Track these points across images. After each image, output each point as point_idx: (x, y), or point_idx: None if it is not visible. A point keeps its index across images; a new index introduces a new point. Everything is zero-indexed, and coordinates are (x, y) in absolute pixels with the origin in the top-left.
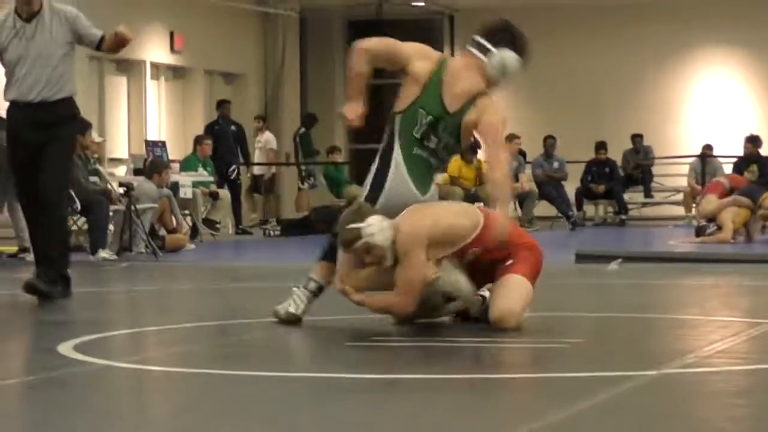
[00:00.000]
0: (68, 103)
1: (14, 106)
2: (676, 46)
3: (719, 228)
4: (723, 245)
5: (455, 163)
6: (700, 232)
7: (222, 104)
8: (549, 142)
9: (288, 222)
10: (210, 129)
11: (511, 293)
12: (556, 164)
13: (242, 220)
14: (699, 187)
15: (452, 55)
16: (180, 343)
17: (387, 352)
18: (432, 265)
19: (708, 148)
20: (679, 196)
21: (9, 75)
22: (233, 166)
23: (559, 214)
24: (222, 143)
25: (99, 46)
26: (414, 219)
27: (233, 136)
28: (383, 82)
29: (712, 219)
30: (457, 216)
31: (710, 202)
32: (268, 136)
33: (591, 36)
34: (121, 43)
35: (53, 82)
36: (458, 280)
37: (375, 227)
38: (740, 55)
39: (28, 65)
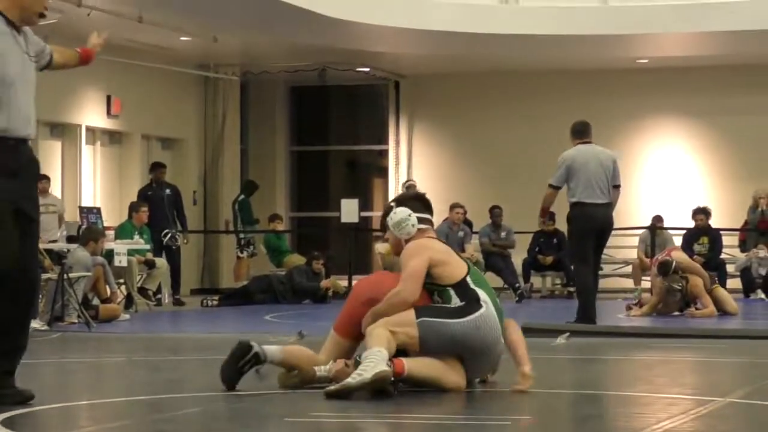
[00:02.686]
0: None
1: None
2: (626, 116)
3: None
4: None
5: None
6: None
7: (156, 167)
8: (495, 212)
9: (226, 291)
10: (143, 194)
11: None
12: (503, 234)
13: (180, 290)
14: (648, 260)
15: (397, 124)
16: (112, 419)
17: (325, 428)
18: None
19: (658, 219)
20: (629, 269)
21: None
22: (166, 232)
23: (506, 286)
24: (157, 208)
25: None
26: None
27: (168, 200)
28: (326, 149)
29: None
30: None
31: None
32: None
33: (539, 104)
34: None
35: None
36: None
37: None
38: (689, 126)
39: (25, 89)
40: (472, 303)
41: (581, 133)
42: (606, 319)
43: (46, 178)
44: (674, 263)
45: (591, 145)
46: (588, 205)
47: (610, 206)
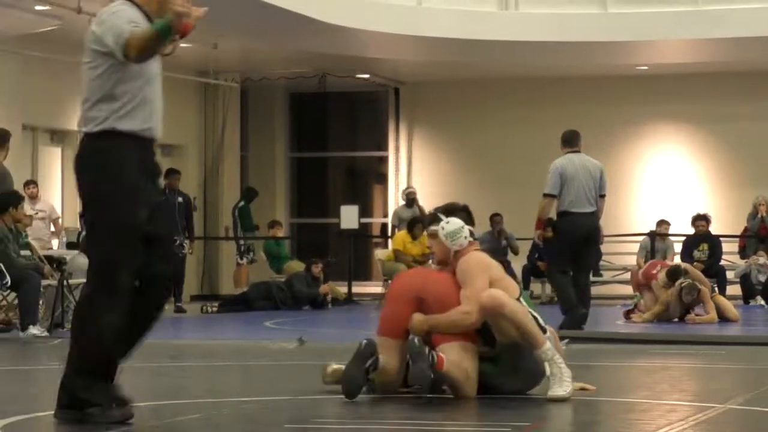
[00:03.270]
0: None
1: (134, 140)
2: (625, 123)
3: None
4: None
5: (400, 237)
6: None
7: (170, 174)
8: (496, 219)
9: (226, 298)
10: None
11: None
12: (504, 242)
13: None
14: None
15: (397, 130)
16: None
17: None
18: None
19: (662, 223)
20: (628, 275)
21: (130, 96)
22: (176, 240)
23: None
24: (169, 215)
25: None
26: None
27: (180, 208)
28: (326, 155)
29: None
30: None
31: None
32: None
33: (539, 111)
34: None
35: None
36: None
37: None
38: (688, 133)
39: (159, 87)
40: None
41: (570, 142)
42: (605, 325)
43: (34, 183)
44: (683, 267)
45: (580, 155)
46: (575, 215)
47: (595, 215)
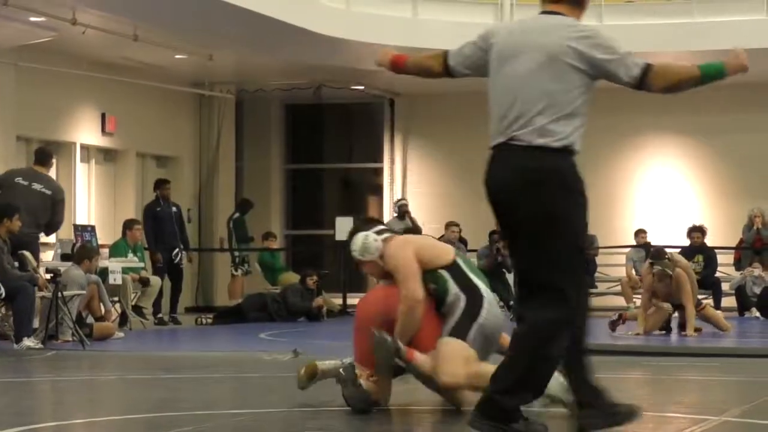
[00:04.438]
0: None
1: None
2: (620, 134)
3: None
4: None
5: None
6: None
7: (161, 184)
8: (494, 237)
9: (220, 310)
10: (151, 211)
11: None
12: (500, 258)
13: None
14: (637, 277)
15: (392, 142)
16: None
17: None
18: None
19: (640, 233)
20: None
21: (586, 116)
22: (177, 251)
23: (501, 303)
24: (166, 226)
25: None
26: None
27: (175, 217)
28: (321, 167)
29: None
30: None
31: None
32: None
33: None
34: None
35: None
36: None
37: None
38: (684, 144)
39: None
40: (474, 295)
41: None
42: (599, 337)
43: None
44: (667, 252)
45: None
46: None
47: None
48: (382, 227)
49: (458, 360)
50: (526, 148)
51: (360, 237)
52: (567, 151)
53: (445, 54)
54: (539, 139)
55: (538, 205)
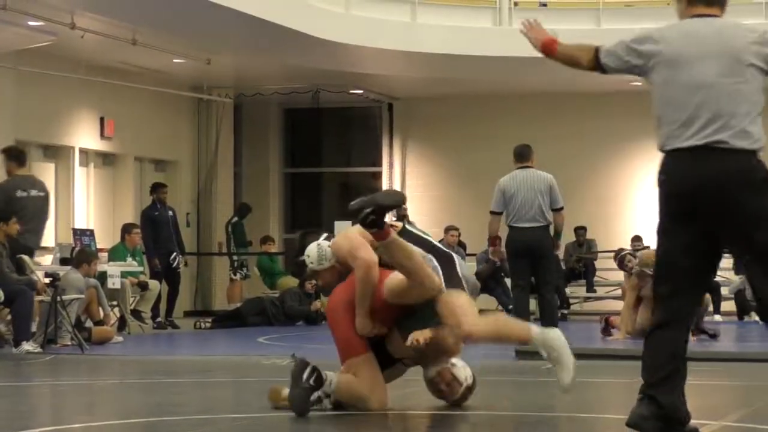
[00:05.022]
0: None
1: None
2: (619, 139)
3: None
4: None
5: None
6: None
7: (158, 188)
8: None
9: (219, 314)
10: (149, 215)
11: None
12: (498, 263)
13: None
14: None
15: (390, 146)
16: None
17: None
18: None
19: (636, 239)
20: (619, 291)
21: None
22: (174, 255)
23: (500, 306)
24: (163, 230)
25: None
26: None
27: (172, 221)
28: (319, 171)
29: None
30: None
31: None
32: None
33: (533, 126)
34: None
35: None
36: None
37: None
38: None
39: None
40: (437, 250)
41: (521, 156)
42: (596, 341)
43: None
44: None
45: (527, 170)
46: (515, 229)
47: (541, 230)
48: (325, 234)
49: (474, 311)
50: (730, 150)
51: (312, 247)
52: (758, 152)
53: (596, 50)
54: (741, 141)
55: (747, 206)
